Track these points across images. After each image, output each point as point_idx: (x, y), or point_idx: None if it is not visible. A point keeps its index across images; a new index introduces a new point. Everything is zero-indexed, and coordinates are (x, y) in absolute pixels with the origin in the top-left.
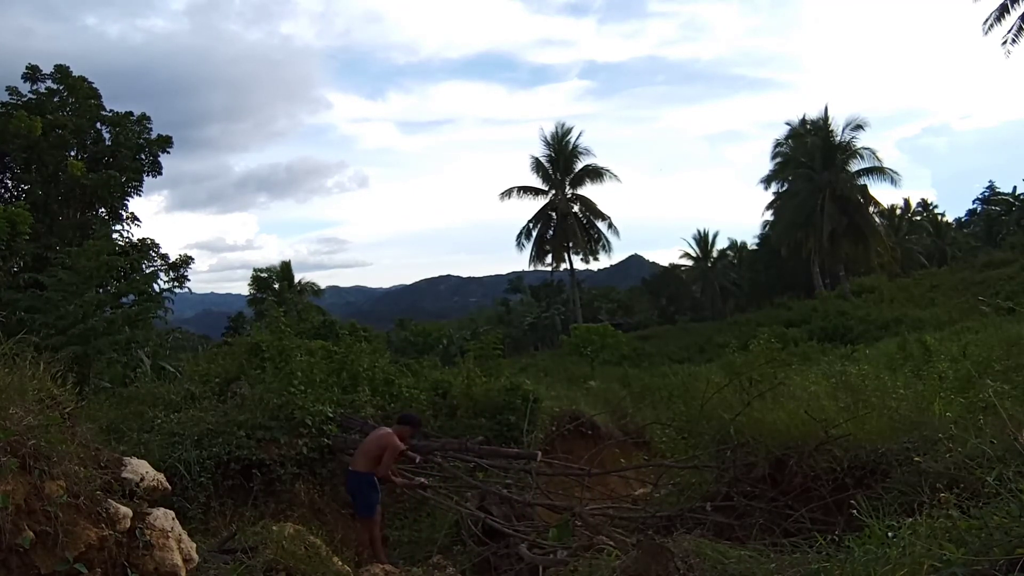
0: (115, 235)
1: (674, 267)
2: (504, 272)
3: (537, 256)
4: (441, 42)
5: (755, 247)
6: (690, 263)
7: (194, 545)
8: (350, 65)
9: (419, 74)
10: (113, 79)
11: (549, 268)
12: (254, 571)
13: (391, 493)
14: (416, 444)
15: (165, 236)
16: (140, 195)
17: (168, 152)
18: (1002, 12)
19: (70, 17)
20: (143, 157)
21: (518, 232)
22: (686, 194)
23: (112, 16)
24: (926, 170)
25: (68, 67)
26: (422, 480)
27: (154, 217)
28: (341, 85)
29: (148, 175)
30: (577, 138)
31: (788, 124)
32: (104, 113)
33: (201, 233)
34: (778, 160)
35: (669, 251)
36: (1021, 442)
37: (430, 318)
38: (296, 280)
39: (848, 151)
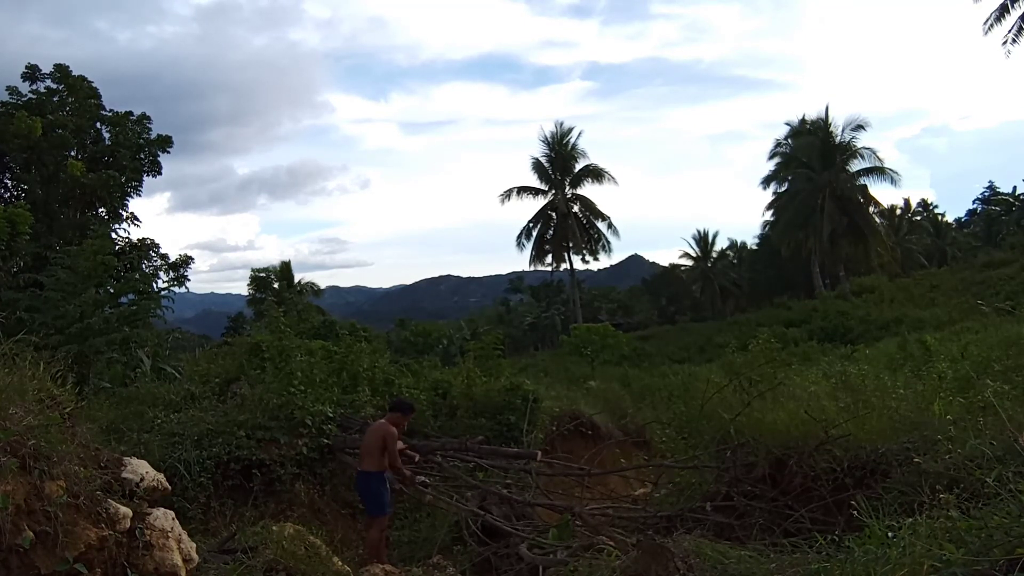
0: (114, 235)
1: (674, 267)
2: (504, 272)
3: (537, 256)
4: (444, 44)
5: (755, 247)
6: (690, 263)
7: (194, 545)
8: (354, 67)
9: (422, 75)
10: (121, 84)
11: (549, 268)
12: (254, 571)
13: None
14: (416, 444)
15: (168, 237)
16: (140, 195)
17: (168, 152)
18: (1002, 12)
19: (80, 22)
20: (143, 157)
21: (518, 232)
22: (686, 194)
23: (122, 21)
24: (926, 170)
25: (67, 66)
26: (423, 479)
27: (157, 218)
28: (344, 86)
29: (148, 175)
30: (577, 138)
31: (788, 124)
32: (104, 113)
33: (202, 234)
34: (777, 160)
35: (669, 251)
36: (1021, 443)
37: (430, 318)
38: (296, 280)
39: (848, 151)
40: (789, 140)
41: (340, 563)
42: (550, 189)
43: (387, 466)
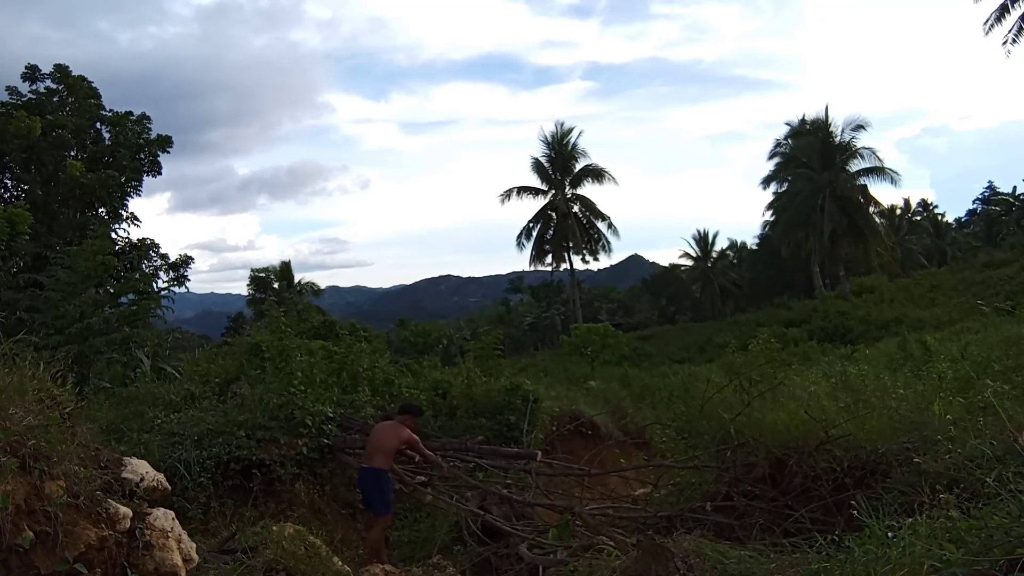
0: (114, 235)
1: (674, 267)
2: (504, 272)
3: (537, 256)
4: (444, 44)
5: (755, 247)
6: (690, 263)
7: (194, 545)
8: (354, 68)
9: (422, 75)
10: (121, 84)
11: (549, 268)
12: (254, 571)
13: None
14: None
15: (168, 237)
16: (140, 195)
17: (168, 152)
18: (1002, 12)
19: (81, 23)
20: (143, 157)
21: (518, 232)
22: (686, 194)
23: (123, 22)
24: (926, 170)
25: (67, 66)
26: (422, 478)
27: (157, 218)
28: (344, 87)
29: (147, 175)
30: (577, 138)
31: (788, 124)
32: (103, 113)
33: (202, 234)
34: (777, 160)
35: (669, 251)
36: (1021, 443)
37: (430, 318)
38: (296, 280)
39: (848, 151)
40: (789, 140)
41: (340, 563)
42: (550, 189)
43: (428, 459)
